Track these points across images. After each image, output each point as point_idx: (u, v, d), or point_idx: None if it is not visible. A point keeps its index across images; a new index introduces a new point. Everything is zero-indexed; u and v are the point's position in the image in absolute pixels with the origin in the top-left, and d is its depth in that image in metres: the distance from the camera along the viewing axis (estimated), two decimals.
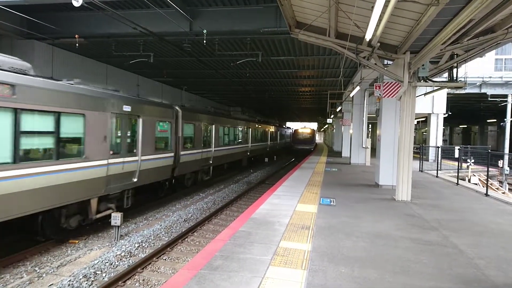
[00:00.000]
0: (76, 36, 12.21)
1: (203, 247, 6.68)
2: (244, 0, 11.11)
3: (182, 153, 13.05)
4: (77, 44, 12.57)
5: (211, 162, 16.57)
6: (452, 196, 10.41)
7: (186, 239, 8.68)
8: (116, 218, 8.22)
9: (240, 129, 22.17)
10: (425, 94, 15.62)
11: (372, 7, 5.53)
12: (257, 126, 27.45)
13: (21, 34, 12.80)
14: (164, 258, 7.42)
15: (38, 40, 13.49)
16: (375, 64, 9.30)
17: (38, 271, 6.57)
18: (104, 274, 6.45)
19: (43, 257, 7.27)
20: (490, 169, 11.02)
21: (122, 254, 7.40)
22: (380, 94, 10.65)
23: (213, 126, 16.81)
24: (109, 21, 11.75)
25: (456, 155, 16.17)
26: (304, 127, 50.92)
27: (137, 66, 17.99)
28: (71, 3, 8.70)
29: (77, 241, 8.26)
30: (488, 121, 41.34)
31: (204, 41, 11.95)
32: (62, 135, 7.31)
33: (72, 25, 12.28)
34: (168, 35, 12.14)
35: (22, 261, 7.02)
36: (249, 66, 17.99)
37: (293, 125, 75.68)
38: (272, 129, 34.13)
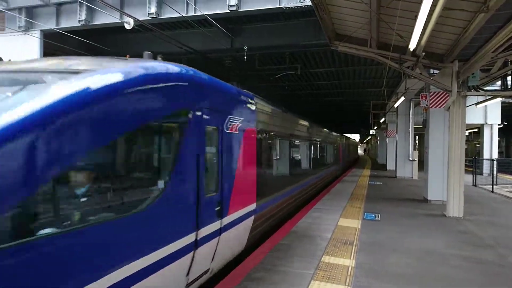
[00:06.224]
0: (127, 56, 13.10)
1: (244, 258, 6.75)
2: (284, 16, 11.32)
3: None
4: None
5: None
6: (510, 213, 9.63)
7: None
8: None
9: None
10: (476, 104, 14.76)
11: (416, 16, 5.42)
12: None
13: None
14: None
15: None
16: (420, 73, 9.01)
17: None
18: None
19: None
20: None
21: None
22: (426, 105, 10.25)
23: None
24: (157, 41, 12.50)
25: None
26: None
27: None
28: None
29: None
30: None
31: (245, 57, 12.29)
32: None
33: (128, 45, 13.24)
34: (210, 52, 12.65)
35: None
36: (288, 79, 18.13)
37: None
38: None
